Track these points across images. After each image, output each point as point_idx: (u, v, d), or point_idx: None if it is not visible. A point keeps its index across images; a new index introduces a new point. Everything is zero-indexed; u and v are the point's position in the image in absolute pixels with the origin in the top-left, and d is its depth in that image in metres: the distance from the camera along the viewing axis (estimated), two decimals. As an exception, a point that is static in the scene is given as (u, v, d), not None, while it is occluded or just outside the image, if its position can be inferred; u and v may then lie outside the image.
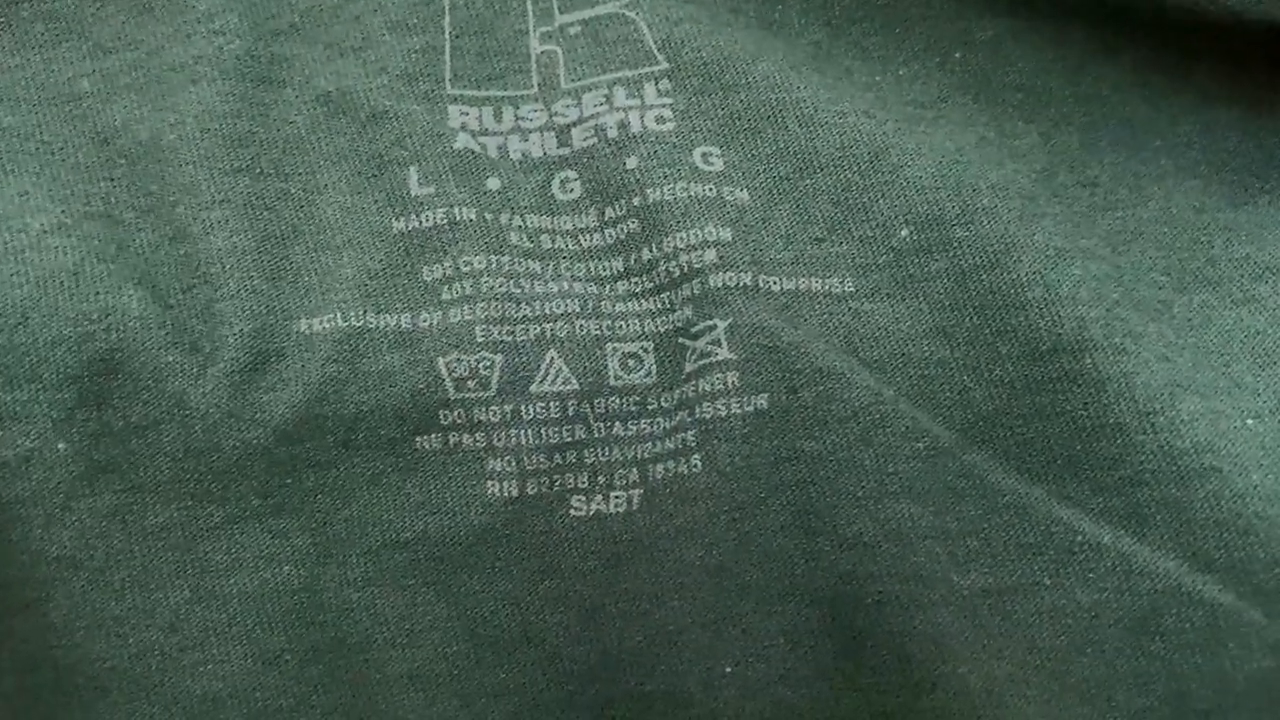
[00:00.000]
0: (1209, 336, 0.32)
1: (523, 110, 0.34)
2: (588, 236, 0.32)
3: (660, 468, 0.30)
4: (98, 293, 0.29)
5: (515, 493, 0.30)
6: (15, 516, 0.29)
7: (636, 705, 0.32)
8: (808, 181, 0.32)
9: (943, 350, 0.31)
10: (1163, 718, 0.30)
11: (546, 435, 0.30)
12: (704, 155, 0.32)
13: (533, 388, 0.30)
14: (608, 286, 0.31)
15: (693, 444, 0.30)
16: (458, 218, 0.31)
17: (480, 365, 0.30)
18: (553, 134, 0.33)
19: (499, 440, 0.30)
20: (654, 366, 0.30)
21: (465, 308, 0.30)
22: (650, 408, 0.30)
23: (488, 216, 0.32)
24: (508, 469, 0.30)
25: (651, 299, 0.31)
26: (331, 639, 0.31)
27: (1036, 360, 0.30)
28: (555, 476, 0.30)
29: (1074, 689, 0.30)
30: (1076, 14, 0.35)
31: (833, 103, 0.33)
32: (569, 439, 0.30)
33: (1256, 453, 0.30)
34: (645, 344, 0.31)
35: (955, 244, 0.31)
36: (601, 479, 0.30)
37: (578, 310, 0.31)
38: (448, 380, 0.30)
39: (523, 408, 0.30)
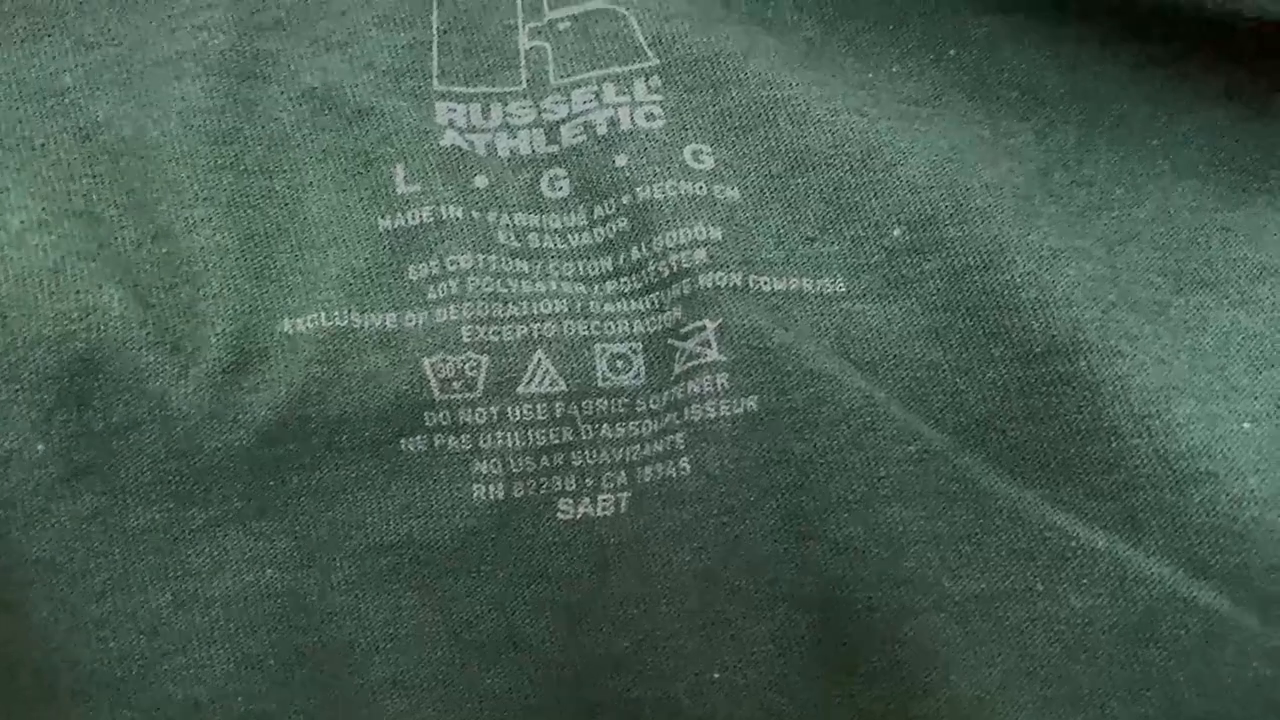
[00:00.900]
0: (1206, 339, 0.31)
1: (511, 107, 0.33)
2: (576, 235, 0.32)
3: (648, 470, 0.30)
4: (78, 291, 0.29)
5: (501, 495, 0.30)
6: (-7, 519, 0.29)
7: (624, 711, 0.32)
8: (799, 180, 0.32)
9: (935, 352, 0.30)
10: (1157, 725, 0.30)
11: (533, 437, 0.30)
12: (694, 153, 0.32)
13: (519, 389, 0.30)
14: (596, 286, 0.31)
15: (681, 446, 0.30)
16: (444, 216, 0.31)
17: (466, 366, 0.29)
18: (541, 131, 0.33)
19: (485, 442, 0.30)
20: (643, 368, 0.30)
21: (451, 307, 0.30)
22: (639, 409, 0.30)
23: (475, 215, 0.31)
24: (494, 471, 0.30)
25: (640, 299, 0.31)
26: (315, 643, 0.30)
27: (1030, 362, 0.30)
28: (542, 479, 0.30)
29: (1067, 696, 0.30)
30: (1073, 11, 0.34)
31: (825, 100, 0.32)
32: (556, 441, 0.30)
33: (1253, 457, 0.29)
34: (634, 345, 0.30)
35: (948, 244, 0.31)
36: (589, 482, 0.30)
37: (566, 310, 0.30)
38: (433, 381, 0.29)
39: (509, 409, 0.30)
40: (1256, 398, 0.31)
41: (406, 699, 0.31)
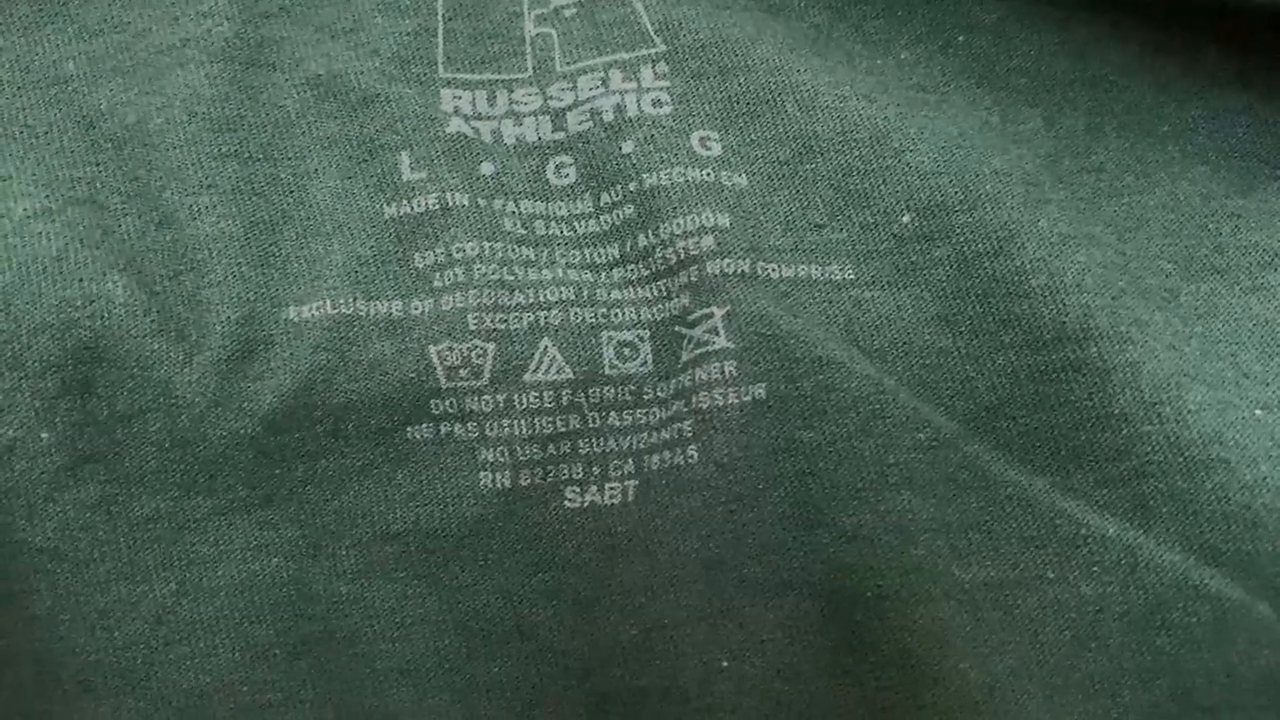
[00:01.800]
0: (1216, 325, 0.31)
1: (517, 94, 0.33)
2: (583, 223, 0.32)
3: (656, 458, 0.30)
4: (82, 279, 0.29)
5: (508, 484, 0.30)
6: (-2, 507, 0.29)
7: (631, 700, 0.32)
8: (808, 167, 0.32)
9: (945, 339, 0.30)
10: (1168, 714, 0.30)
11: (540, 425, 0.30)
12: (702, 140, 0.32)
13: (526, 377, 0.29)
14: (603, 274, 0.31)
15: (689, 434, 0.30)
16: (450, 203, 0.31)
17: (473, 354, 0.29)
18: (547, 118, 0.33)
19: (492, 430, 0.29)
20: (650, 355, 0.30)
21: (457, 295, 0.30)
22: (646, 397, 0.30)
23: (481, 202, 0.31)
24: (501, 459, 0.30)
25: (648, 286, 0.31)
26: (321, 632, 0.30)
27: (1040, 349, 0.30)
28: (549, 467, 0.30)
29: (1077, 684, 0.30)
30: (1082, -4, 0.34)
31: (833, 87, 0.32)
32: (563, 429, 0.30)
33: (1265, 444, 0.29)
34: (641, 332, 0.30)
35: (958, 230, 0.31)
36: (596, 470, 0.30)
37: (572, 298, 0.30)
38: (439, 369, 0.29)
39: (516, 397, 0.29)
40: (1268, 384, 0.30)
41: (413, 688, 0.31)
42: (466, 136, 0.32)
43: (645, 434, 0.30)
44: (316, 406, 0.29)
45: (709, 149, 0.31)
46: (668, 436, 0.30)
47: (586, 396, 0.30)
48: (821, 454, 0.30)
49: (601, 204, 0.31)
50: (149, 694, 0.30)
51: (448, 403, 0.29)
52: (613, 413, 0.30)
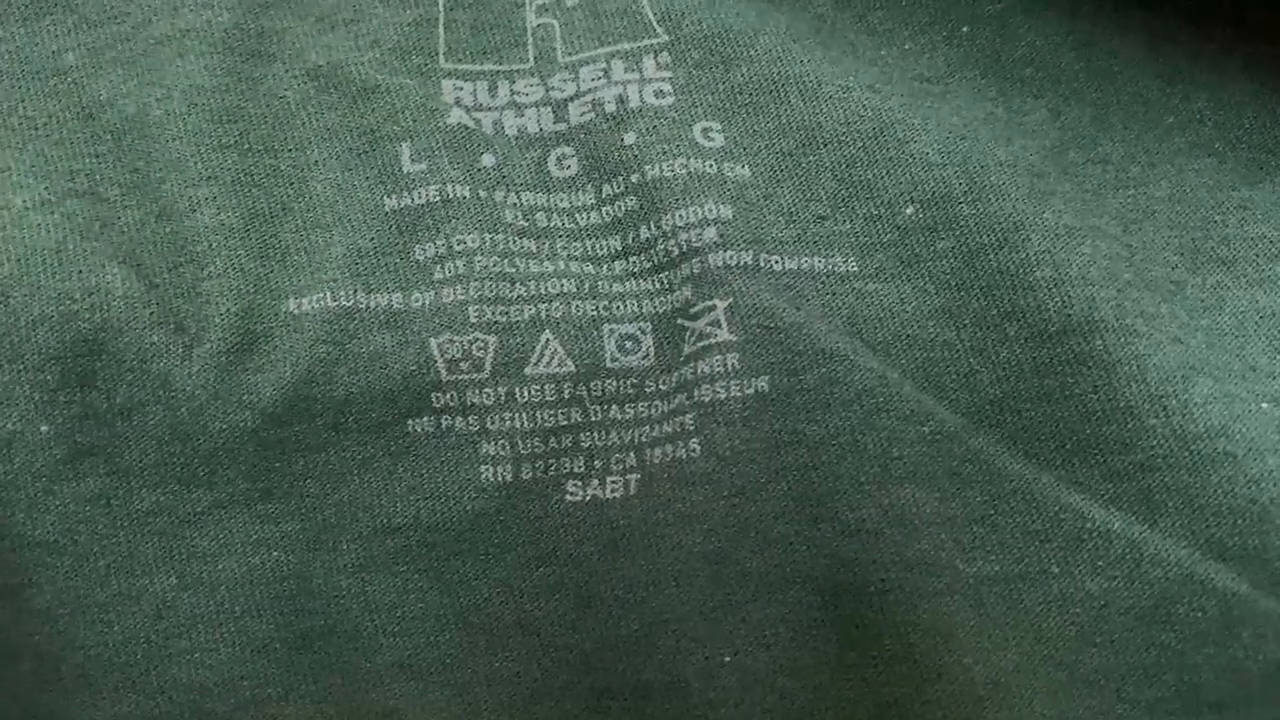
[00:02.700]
0: (1223, 318, 0.31)
1: (518, 85, 0.33)
2: (584, 215, 0.31)
3: (658, 452, 0.30)
4: (81, 271, 0.29)
5: (509, 477, 0.30)
6: (-3, 500, 0.28)
7: (634, 695, 0.31)
8: (811, 158, 0.31)
9: (949, 332, 0.30)
10: (1174, 709, 0.30)
11: (541, 418, 0.29)
12: (704, 130, 0.31)
13: (527, 370, 0.29)
14: (605, 266, 0.31)
15: (691, 427, 0.30)
16: (451, 195, 0.31)
17: (473, 346, 0.29)
18: (549, 109, 0.33)
19: (493, 423, 0.29)
20: (652, 348, 0.30)
21: (458, 287, 0.29)
22: (648, 390, 0.30)
23: (482, 194, 0.31)
24: (502, 453, 0.29)
25: (650, 279, 0.30)
26: (321, 626, 0.30)
27: (1045, 342, 0.29)
28: (550, 461, 0.30)
29: (1082, 680, 0.30)
30: (1087, -13, 0.34)
31: (837, 77, 0.32)
32: (564, 422, 0.30)
33: (1272, 437, 0.29)
34: (643, 325, 0.30)
35: (962, 222, 0.30)
36: (598, 463, 0.30)
37: (574, 290, 0.30)
38: (440, 362, 0.29)
39: (517, 390, 0.29)
40: (1275, 377, 0.30)
41: (414, 682, 0.31)
42: (467, 128, 0.32)
43: (647, 427, 0.30)
44: (317, 399, 0.29)
45: (711, 140, 0.31)
46: (670, 430, 0.30)
47: (588, 389, 0.29)
48: (824, 447, 0.30)
49: (603, 196, 0.31)
50: (149, 688, 0.30)
51: (449, 396, 0.29)
52: (614, 406, 0.30)
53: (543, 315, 0.30)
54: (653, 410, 0.30)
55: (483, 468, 0.30)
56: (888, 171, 0.31)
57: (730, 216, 0.30)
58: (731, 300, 0.29)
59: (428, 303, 0.29)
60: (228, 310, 0.29)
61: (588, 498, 0.30)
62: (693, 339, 0.30)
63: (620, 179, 0.31)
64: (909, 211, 0.31)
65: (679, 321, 0.30)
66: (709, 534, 0.30)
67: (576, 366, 0.29)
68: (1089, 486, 0.29)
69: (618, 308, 0.30)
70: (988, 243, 0.30)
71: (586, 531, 0.30)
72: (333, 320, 0.29)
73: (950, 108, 0.33)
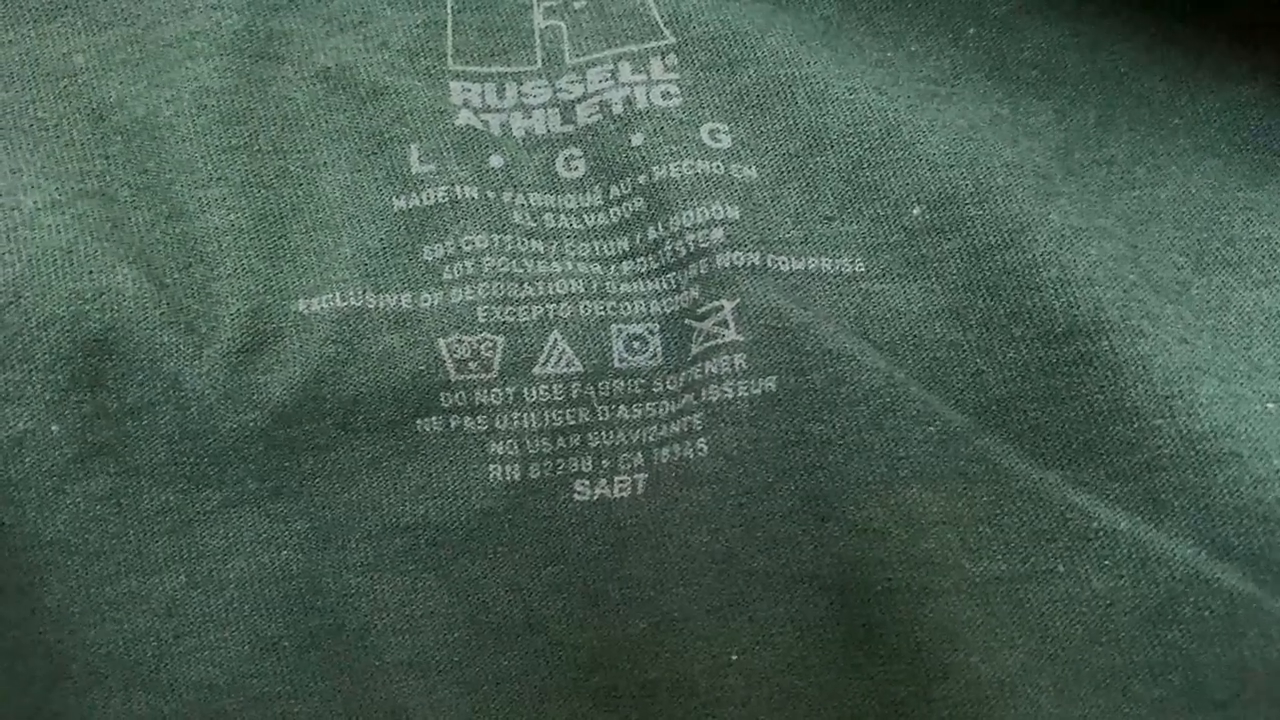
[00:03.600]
0: (1228, 318, 0.31)
1: (526, 86, 0.33)
2: (592, 215, 0.32)
3: (665, 451, 0.30)
4: (91, 272, 0.29)
5: (518, 476, 0.30)
6: (8, 499, 0.29)
7: (640, 693, 0.32)
8: (818, 159, 0.31)
9: (955, 332, 0.30)
10: (1180, 708, 0.30)
11: (550, 418, 0.30)
12: (711, 132, 0.31)
13: (535, 370, 0.29)
14: (612, 266, 0.31)
15: (699, 427, 0.30)
16: (459, 196, 0.31)
17: (482, 346, 0.29)
18: (557, 110, 0.33)
19: (501, 423, 0.29)
20: (659, 348, 0.30)
21: (467, 288, 0.30)
22: (655, 390, 0.30)
23: (490, 195, 0.31)
24: (510, 452, 0.30)
25: (657, 279, 0.30)
26: (330, 625, 0.30)
27: (1051, 342, 0.29)
28: (559, 460, 0.30)
29: (1088, 678, 0.30)
30: (1093, -11, 0.34)
31: (843, 79, 0.32)
32: (573, 422, 0.30)
33: (1277, 437, 0.29)
34: (651, 325, 0.30)
35: (969, 223, 0.30)
36: (606, 463, 0.30)
37: (582, 291, 0.30)
38: (449, 362, 0.29)
39: (525, 390, 0.29)
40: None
41: (422, 680, 0.31)
42: (475, 129, 0.32)
43: (655, 427, 0.30)
44: (326, 399, 0.29)
45: (718, 141, 0.31)
46: (677, 429, 0.30)
47: (596, 389, 0.30)
48: (832, 447, 0.30)
49: (611, 197, 0.31)
50: (159, 686, 0.30)
51: (457, 395, 0.29)
52: (622, 406, 0.30)
53: (551, 315, 0.30)
54: (660, 410, 0.30)
55: (491, 467, 0.30)
56: (894, 173, 0.31)
57: (737, 217, 0.30)
58: (739, 300, 0.29)
59: (436, 303, 0.29)
60: (237, 310, 0.29)
61: (595, 497, 0.30)
62: (700, 339, 0.30)
63: (628, 180, 0.31)
64: (916, 212, 0.31)
65: (686, 322, 0.30)
66: (716, 533, 0.30)
67: (584, 366, 0.30)
68: (1095, 486, 0.29)
69: (625, 308, 0.30)
70: (994, 243, 0.30)
71: (594, 531, 0.30)
72: (342, 320, 0.29)
73: (956, 109, 0.33)
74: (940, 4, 0.35)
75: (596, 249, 0.31)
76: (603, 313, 0.30)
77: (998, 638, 0.30)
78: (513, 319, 0.30)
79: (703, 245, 0.30)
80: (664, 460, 0.30)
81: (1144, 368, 0.29)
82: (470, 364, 0.29)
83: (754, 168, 0.31)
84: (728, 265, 0.30)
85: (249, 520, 0.30)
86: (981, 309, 0.30)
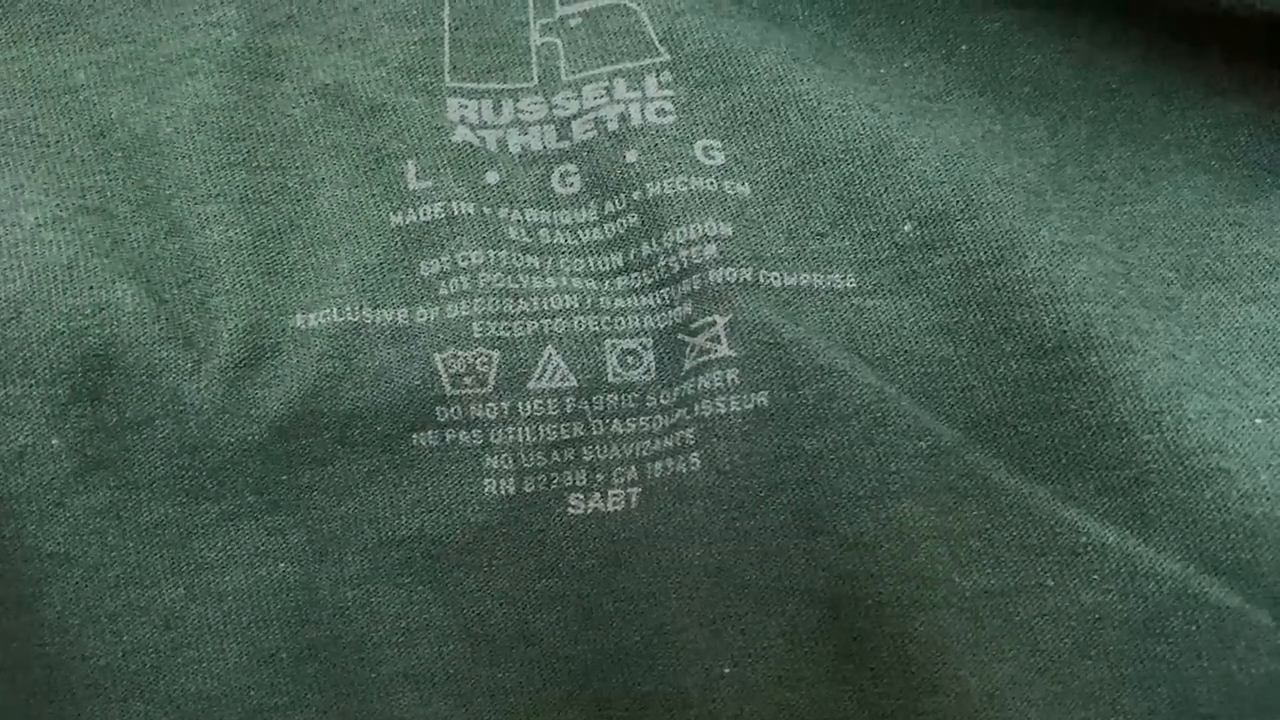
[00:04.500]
0: (1217, 334, 0.31)
1: (522, 103, 0.33)
2: (587, 231, 0.32)
3: (659, 466, 0.30)
4: (92, 287, 0.29)
5: (512, 490, 0.30)
6: (8, 512, 0.29)
7: (634, 705, 0.32)
8: (810, 175, 0.32)
9: (946, 347, 0.30)
10: (1168, 721, 0.30)
11: (544, 432, 0.30)
12: (705, 149, 0.32)
13: (530, 384, 0.30)
14: (607, 282, 0.31)
15: (692, 442, 0.30)
16: (456, 212, 0.31)
17: (477, 361, 0.30)
18: (552, 127, 0.33)
19: (496, 437, 0.30)
20: (653, 363, 0.30)
21: (463, 303, 0.30)
22: (649, 405, 0.30)
23: (486, 211, 0.31)
24: (505, 466, 0.30)
25: (651, 294, 0.31)
26: (327, 637, 0.31)
27: (1041, 358, 0.30)
28: (553, 474, 0.30)
29: (1077, 692, 0.30)
30: (1084, 6, 0.34)
31: (836, 95, 0.32)
32: (567, 436, 0.30)
33: (1265, 453, 0.29)
34: (644, 340, 0.30)
35: (959, 239, 0.31)
36: (600, 477, 0.30)
37: (576, 306, 0.30)
38: (444, 376, 0.29)
39: (520, 405, 0.30)
40: (1268, 393, 0.30)
41: (418, 693, 0.31)
42: (472, 145, 0.32)
43: (648, 441, 0.30)
44: (323, 413, 0.29)
45: (712, 158, 0.32)
46: (670, 444, 0.30)
47: (590, 404, 0.30)
48: (823, 462, 0.30)
49: (605, 213, 0.32)
50: (157, 697, 0.30)
51: (453, 410, 0.30)
52: (616, 420, 0.30)
53: (545, 330, 0.30)
54: (654, 424, 0.30)
55: (486, 481, 0.30)
56: (886, 189, 0.31)
57: (730, 233, 0.30)
58: (731, 316, 0.30)
59: (432, 318, 0.30)
60: (235, 325, 0.30)
61: (589, 510, 0.30)
62: (693, 354, 0.30)
63: (622, 196, 0.31)
64: (907, 229, 0.31)
65: (680, 337, 0.30)
66: (709, 547, 0.31)
67: (579, 381, 0.30)
68: (1084, 501, 0.30)
69: (619, 323, 0.30)
70: (985, 259, 0.30)
71: (588, 544, 0.30)
72: (339, 335, 0.30)
73: (948, 126, 0.33)
74: (933, 21, 0.35)
75: (591, 264, 0.31)
76: (597, 328, 0.30)
77: (987, 651, 0.30)
78: (508, 334, 0.30)
79: (696, 261, 0.30)
80: (657, 474, 0.30)
81: (1133, 383, 0.29)
82: (465, 379, 0.29)
83: (747, 184, 0.31)
84: (720, 281, 0.30)
85: (247, 533, 0.30)
86: (972, 324, 0.30)
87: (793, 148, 0.32)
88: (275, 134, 0.32)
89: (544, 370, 0.30)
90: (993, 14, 0.35)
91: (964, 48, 0.35)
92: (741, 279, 0.30)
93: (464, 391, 0.29)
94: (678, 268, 0.30)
